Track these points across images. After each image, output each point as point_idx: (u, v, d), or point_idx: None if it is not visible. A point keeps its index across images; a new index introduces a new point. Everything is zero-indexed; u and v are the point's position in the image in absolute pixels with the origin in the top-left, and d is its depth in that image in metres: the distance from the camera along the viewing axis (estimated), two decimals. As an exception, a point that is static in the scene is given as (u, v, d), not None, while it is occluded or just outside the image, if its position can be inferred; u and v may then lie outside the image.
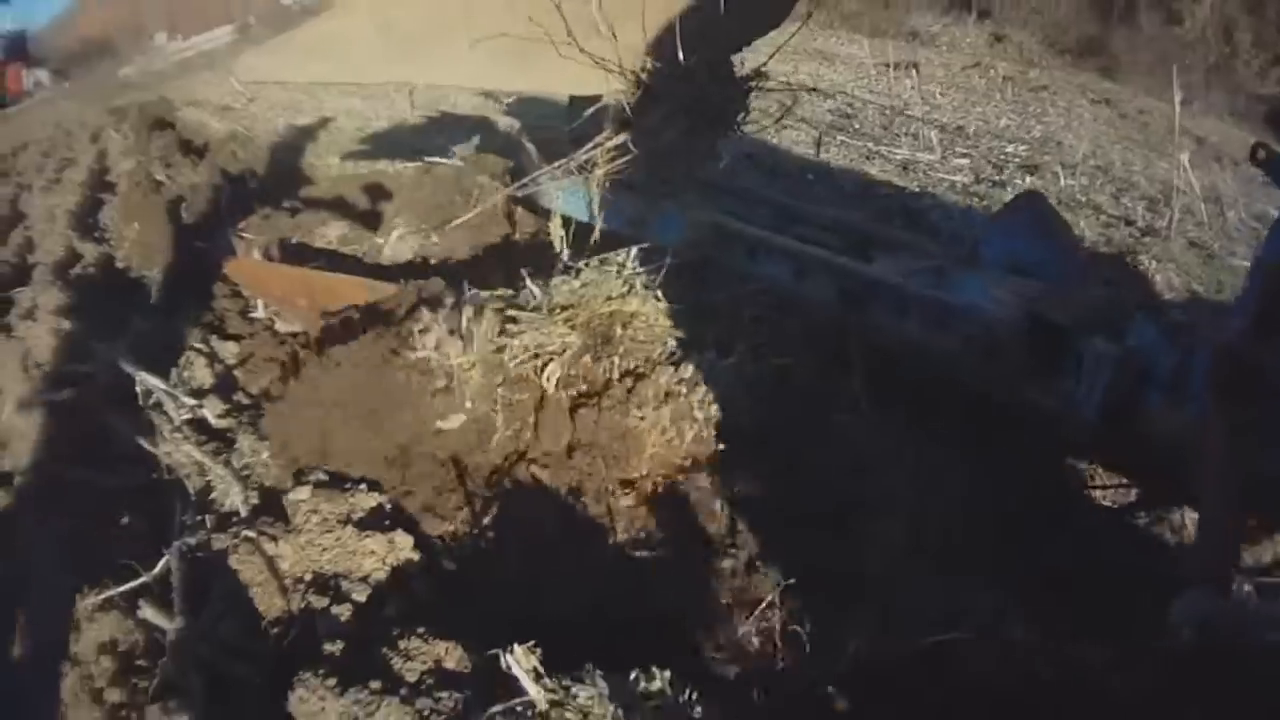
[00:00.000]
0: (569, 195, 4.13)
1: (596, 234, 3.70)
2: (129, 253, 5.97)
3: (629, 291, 3.22)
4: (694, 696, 2.11)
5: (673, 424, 2.98)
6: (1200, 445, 2.49)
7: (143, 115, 12.34)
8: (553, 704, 2.03)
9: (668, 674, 2.13)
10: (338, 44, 3.93)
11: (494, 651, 2.13)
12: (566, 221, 3.84)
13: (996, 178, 7.91)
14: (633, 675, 2.13)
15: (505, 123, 7.25)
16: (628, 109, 3.85)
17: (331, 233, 5.43)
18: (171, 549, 2.68)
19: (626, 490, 2.97)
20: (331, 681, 2.13)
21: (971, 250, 3.72)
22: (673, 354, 3.11)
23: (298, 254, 4.90)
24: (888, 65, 11.46)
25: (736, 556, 2.81)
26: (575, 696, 2.05)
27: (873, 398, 3.27)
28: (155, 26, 19.92)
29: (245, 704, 2.28)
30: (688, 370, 3.06)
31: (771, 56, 4.23)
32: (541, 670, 2.09)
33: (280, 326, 4.10)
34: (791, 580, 2.57)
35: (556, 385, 3.02)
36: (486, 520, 2.87)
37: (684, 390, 3.02)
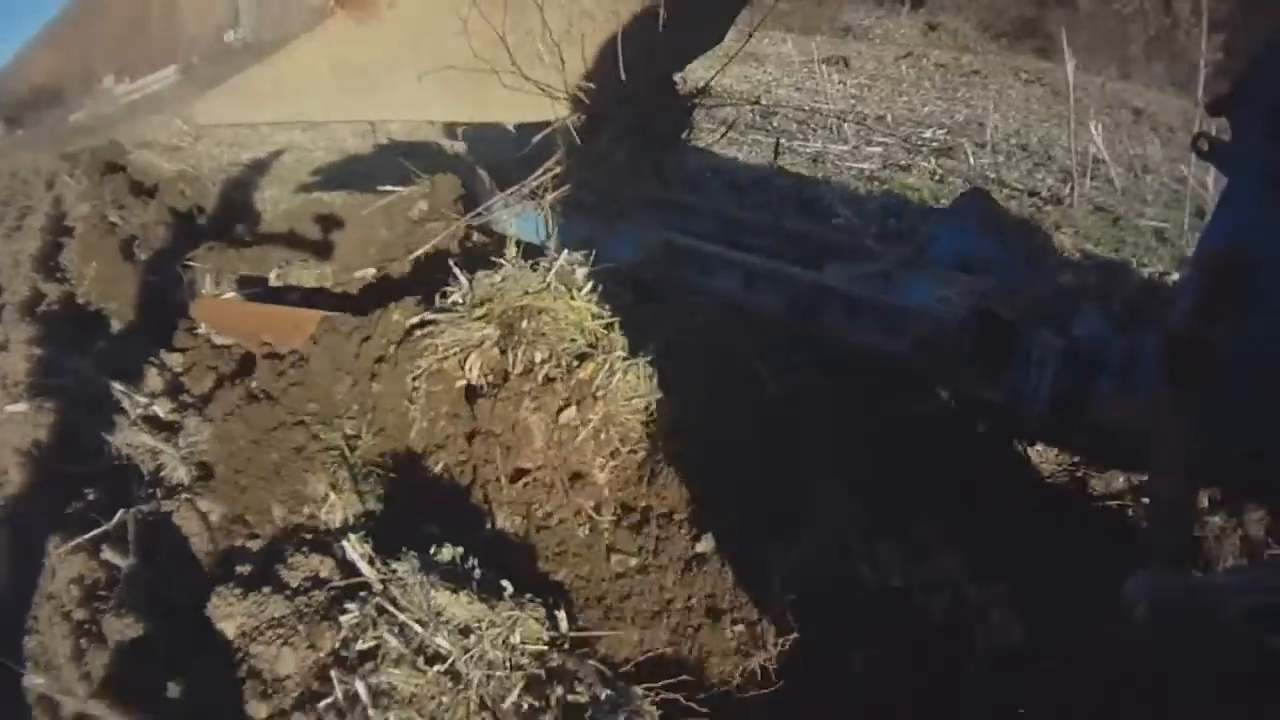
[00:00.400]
0: (522, 220, 4.21)
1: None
2: (88, 289, 6.39)
3: (546, 288, 3.32)
4: (475, 563, 2.73)
5: (574, 417, 3.09)
6: (1151, 428, 2.53)
7: (94, 159, 12.49)
8: (383, 581, 2.67)
9: (460, 549, 2.77)
10: (292, 84, 4.01)
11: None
12: (520, 246, 3.92)
13: (905, 162, 8.12)
14: (432, 549, 2.76)
15: (456, 152, 7.33)
16: (575, 134, 3.95)
17: (286, 266, 5.48)
18: (130, 511, 3.40)
19: (518, 478, 3.13)
20: (238, 591, 2.80)
21: (918, 251, 3.80)
22: (581, 352, 3.20)
23: (256, 291, 4.98)
24: (819, 62, 11.58)
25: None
26: (395, 571, 2.67)
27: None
28: (103, 71, 19.80)
29: (181, 617, 2.91)
30: (589, 369, 3.15)
31: (715, 76, 4.34)
32: (373, 555, 2.76)
33: (216, 340, 4.45)
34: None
35: (479, 376, 3.25)
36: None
37: (587, 385, 3.12)
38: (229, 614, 2.78)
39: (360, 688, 2.44)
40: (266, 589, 2.80)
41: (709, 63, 4.56)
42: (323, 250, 5.73)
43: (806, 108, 10.32)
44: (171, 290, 5.60)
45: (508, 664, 2.49)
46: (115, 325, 5.81)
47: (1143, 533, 3.12)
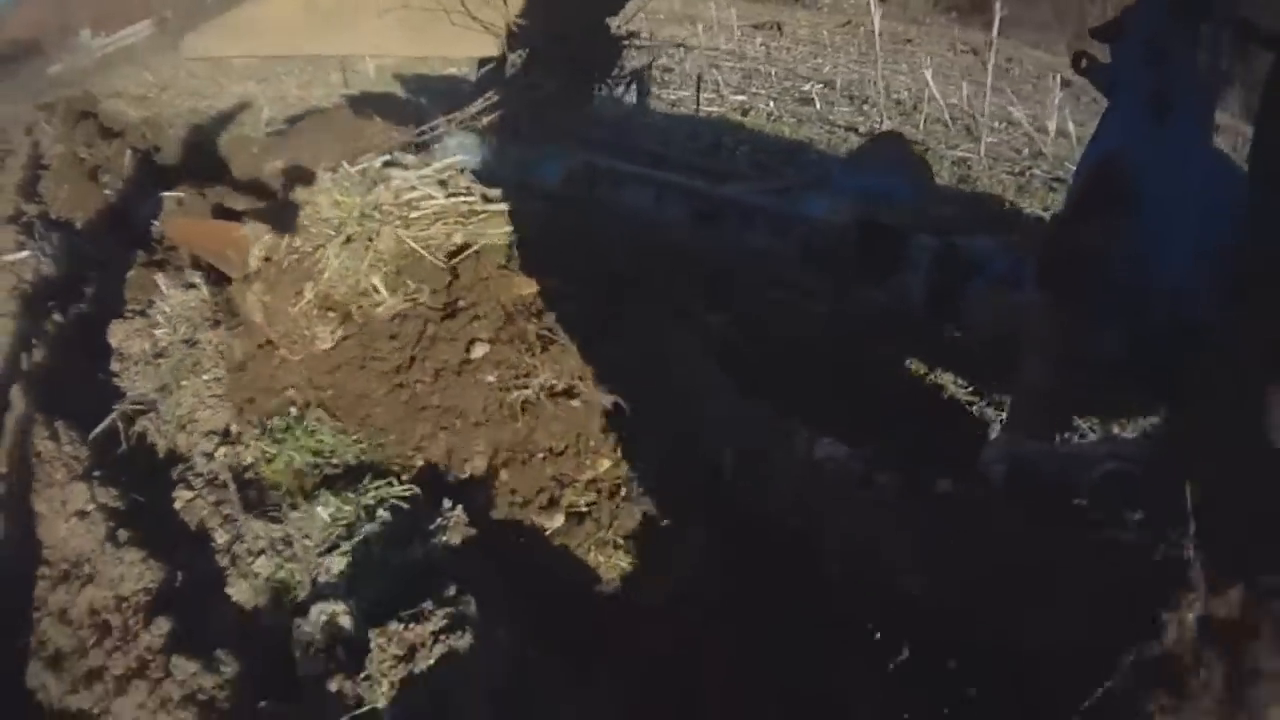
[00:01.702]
0: (462, 145, 4.67)
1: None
2: (60, 208, 7.36)
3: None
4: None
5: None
6: (1024, 328, 2.78)
7: (69, 108, 13.22)
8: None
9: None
10: (269, 23, 4.49)
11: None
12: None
13: (771, 111, 8.74)
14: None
15: (408, 85, 7.79)
16: (514, 68, 4.43)
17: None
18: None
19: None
20: (198, 484, 2.91)
21: (822, 178, 4.22)
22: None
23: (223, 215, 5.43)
24: (754, 26, 11.88)
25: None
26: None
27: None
28: (80, 24, 20.08)
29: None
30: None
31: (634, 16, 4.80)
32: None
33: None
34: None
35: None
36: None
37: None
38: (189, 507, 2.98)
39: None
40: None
41: (643, 11, 5.03)
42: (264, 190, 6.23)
43: (727, 65, 10.74)
44: (130, 209, 6.65)
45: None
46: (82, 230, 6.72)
47: (1009, 413, 3.33)
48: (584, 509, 2.75)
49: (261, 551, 2.53)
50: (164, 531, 2.84)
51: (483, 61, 4.72)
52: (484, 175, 4.12)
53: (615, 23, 4.62)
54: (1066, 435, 3.21)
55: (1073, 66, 2.82)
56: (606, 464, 2.89)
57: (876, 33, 10.05)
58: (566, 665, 2.25)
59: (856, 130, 8.21)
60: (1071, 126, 8.03)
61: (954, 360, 3.78)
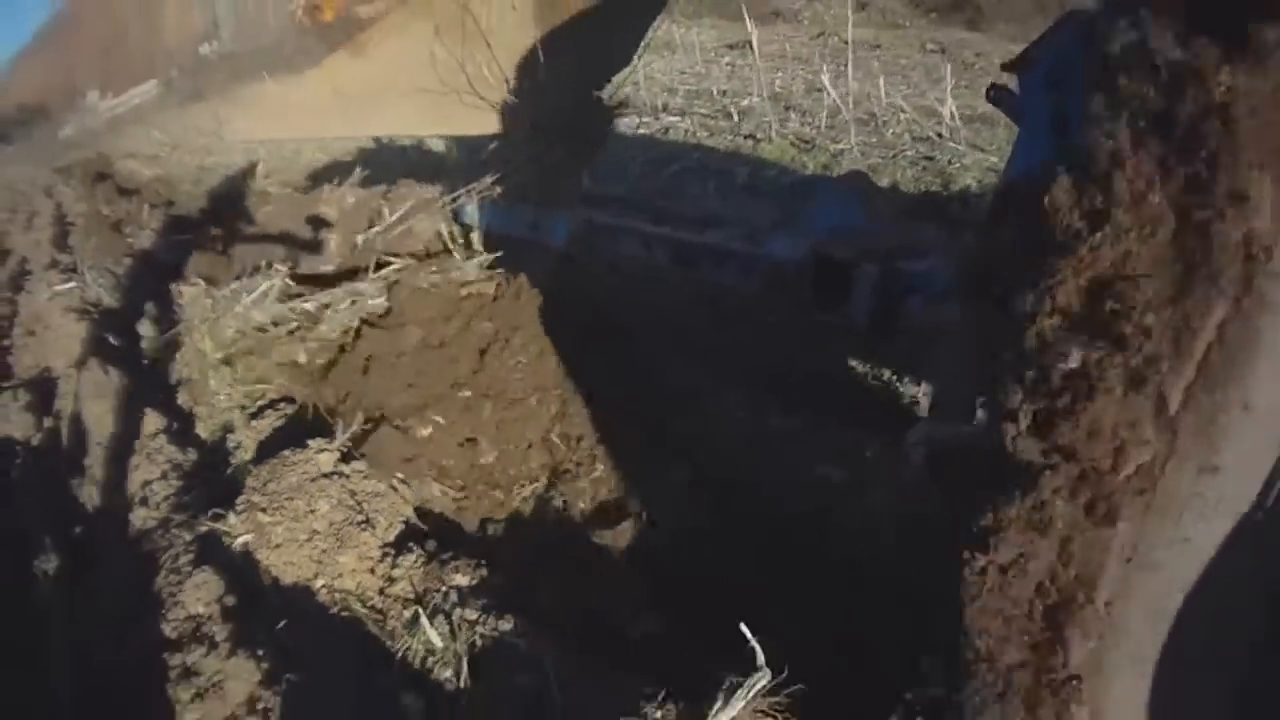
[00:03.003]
0: (480, 209, 5.37)
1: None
2: (90, 257, 8.52)
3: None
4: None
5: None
6: (944, 338, 3.19)
7: (86, 171, 14.13)
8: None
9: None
10: (300, 107, 5.19)
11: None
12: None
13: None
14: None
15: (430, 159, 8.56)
16: (521, 142, 5.14)
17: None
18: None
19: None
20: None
21: (788, 218, 4.88)
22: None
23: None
24: (729, 47, 12.54)
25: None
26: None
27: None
28: (87, 86, 20.68)
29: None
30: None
31: (622, 91, 5.51)
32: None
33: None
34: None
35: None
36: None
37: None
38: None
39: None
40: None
41: (627, 76, 5.74)
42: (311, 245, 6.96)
43: (707, 91, 11.46)
44: (155, 253, 8.31)
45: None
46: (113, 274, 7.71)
47: (932, 401, 3.63)
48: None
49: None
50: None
51: (493, 137, 5.41)
52: (500, 236, 4.88)
53: (606, 94, 5.31)
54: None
55: (986, 98, 3.10)
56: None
57: (850, 42, 10.64)
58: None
59: (813, 144, 8.88)
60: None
61: (893, 365, 4.46)
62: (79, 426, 4.58)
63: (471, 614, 2.86)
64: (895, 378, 4.60)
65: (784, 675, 2.27)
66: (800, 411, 4.17)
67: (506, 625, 2.81)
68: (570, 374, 4.27)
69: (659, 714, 2.33)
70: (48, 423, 4.98)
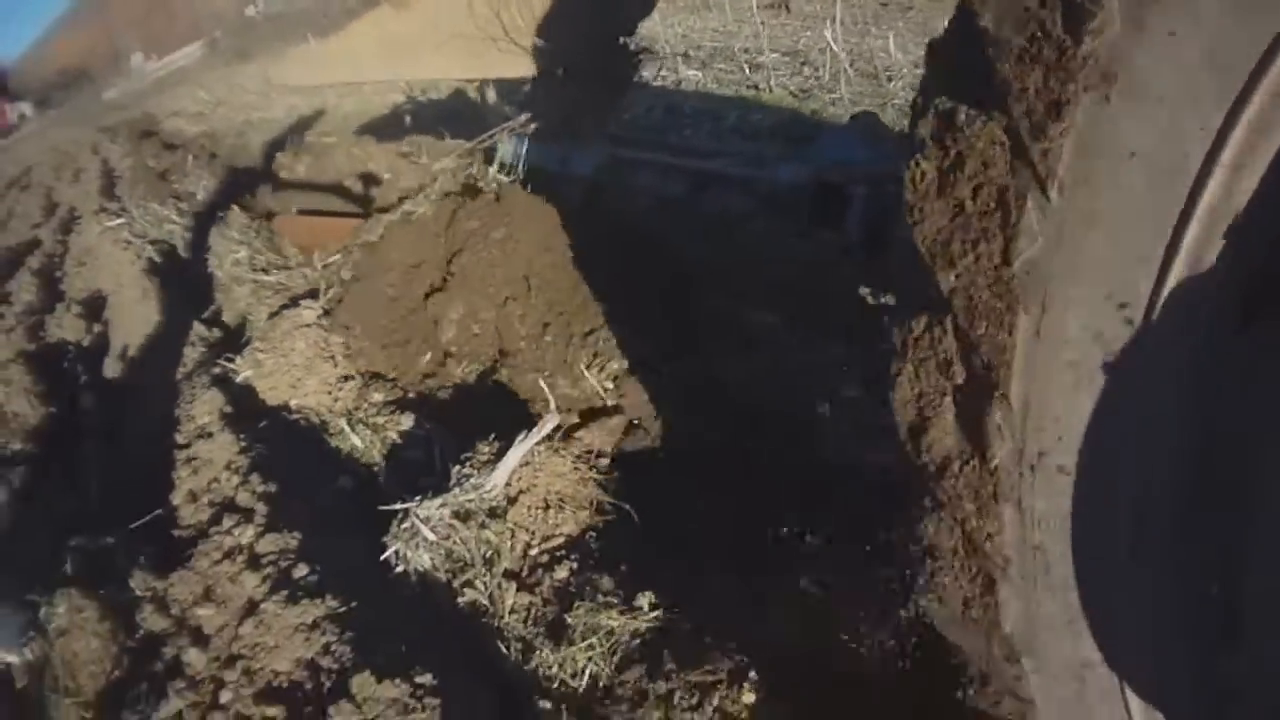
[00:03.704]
0: (515, 148, 5.86)
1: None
2: (137, 200, 9.22)
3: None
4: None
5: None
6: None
7: (132, 129, 14.67)
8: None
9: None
10: (346, 55, 5.66)
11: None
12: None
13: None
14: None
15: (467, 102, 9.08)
16: (551, 84, 5.60)
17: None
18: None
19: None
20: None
21: (796, 148, 5.32)
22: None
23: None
24: (768, 6, 12.93)
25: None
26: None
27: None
28: (130, 49, 21.26)
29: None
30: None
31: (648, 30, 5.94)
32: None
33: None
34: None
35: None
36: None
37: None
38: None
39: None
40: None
41: (655, 18, 6.18)
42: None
43: (730, 49, 11.92)
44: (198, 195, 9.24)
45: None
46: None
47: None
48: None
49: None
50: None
51: (526, 80, 5.88)
52: (533, 170, 5.37)
53: (631, 40, 5.76)
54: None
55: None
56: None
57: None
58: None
59: (809, 94, 9.64)
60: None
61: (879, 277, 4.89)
62: (124, 323, 5.76)
63: (382, 419, 4.25)
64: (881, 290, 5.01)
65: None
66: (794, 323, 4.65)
67: (407, 423, 4.18)
68: (581, 278, 4.74)
69: (486, 448, 3.52)
70: (97, 328, 6.15)
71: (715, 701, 2.57)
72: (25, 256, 9.94)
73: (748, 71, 10.67)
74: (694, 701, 2.60)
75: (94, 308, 6.59)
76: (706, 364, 4.46)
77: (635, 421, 4.08)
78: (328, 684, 2.66)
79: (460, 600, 3.07)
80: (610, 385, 4.20)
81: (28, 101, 32.24)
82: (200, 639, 2.94)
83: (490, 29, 5.49)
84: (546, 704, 2.64)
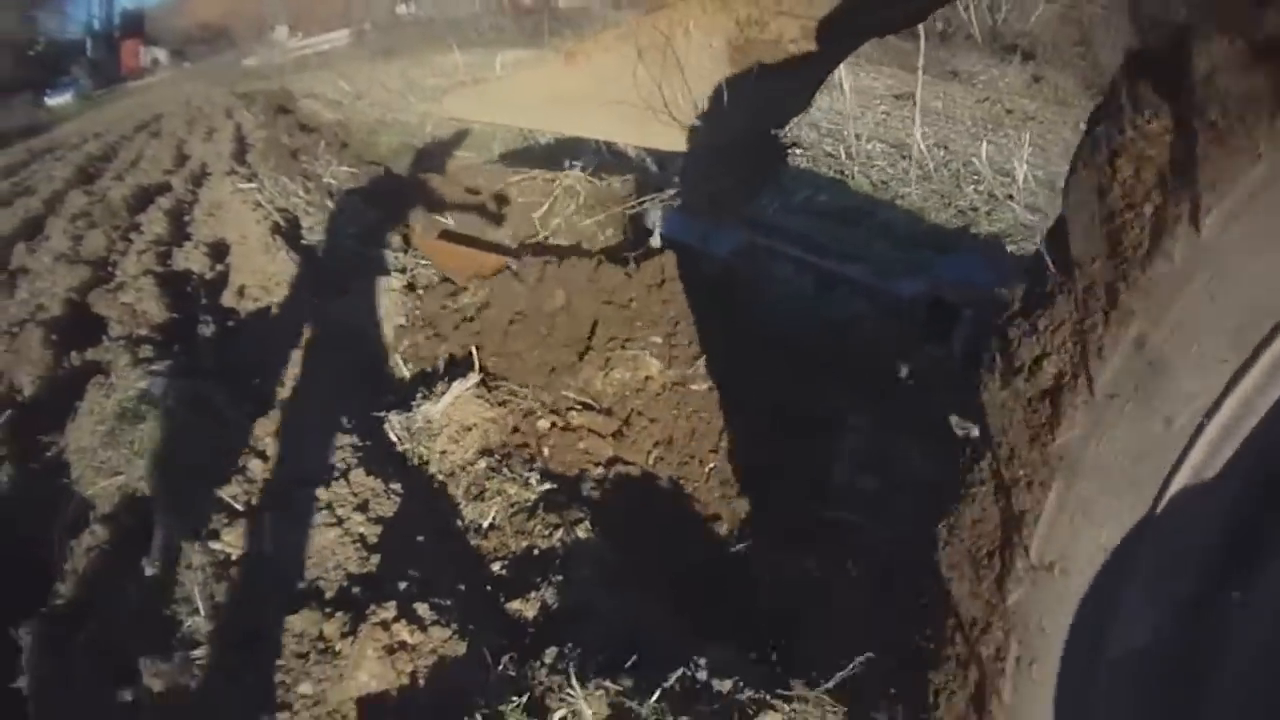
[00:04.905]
0: (661, 217, 6.23)
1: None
2: (266, 172, 10.41)
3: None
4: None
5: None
6: None
7: (268, 101, 15.32)
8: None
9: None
10: (519, 100, 6.03)
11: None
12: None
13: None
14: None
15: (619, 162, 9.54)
16: (702, 161, 5.95)
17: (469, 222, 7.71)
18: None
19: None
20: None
21: (919, 265, 5.65)
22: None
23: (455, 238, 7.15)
24: (895, 97, 13.31)
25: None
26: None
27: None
28: (277, 20, 22.02)
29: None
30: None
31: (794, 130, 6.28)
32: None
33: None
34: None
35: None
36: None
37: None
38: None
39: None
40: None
41: (804, 118, 6.52)
42: (497, 217, 7.95)
43: (841, 132, 12.31)
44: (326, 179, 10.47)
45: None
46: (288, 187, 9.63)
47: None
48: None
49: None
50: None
51: (678, 154, 6.23)
52: (674, 241, 5.71)
53: (781, 133, 6.09)
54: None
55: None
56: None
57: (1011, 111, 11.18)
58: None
59: (887, 185, 10.02)
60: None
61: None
62: (244, 267, 6.97)
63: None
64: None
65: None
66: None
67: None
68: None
69: (439, 388, 4.88)
70: (219, 267, 7.39)
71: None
72: (156, 196, 10.87)
73: (843, 156, 11.10)
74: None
75: (218, 251, 7.77)
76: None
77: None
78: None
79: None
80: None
81: (163, 48, 33.13)
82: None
83: (652, 99, 5.83)
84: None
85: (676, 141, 6.01)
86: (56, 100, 37.23)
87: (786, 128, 6.11)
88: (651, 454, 4.77)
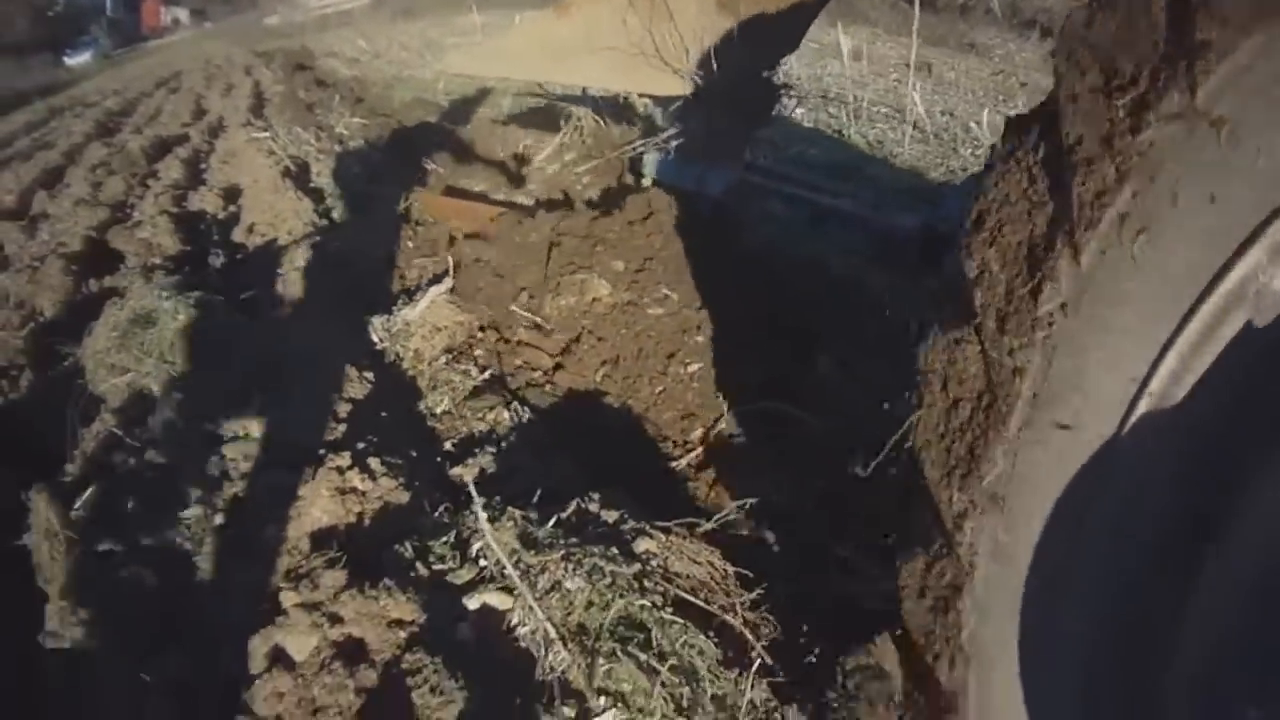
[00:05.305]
0: (657, 161, 6.46)
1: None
2: (282, 124, 10.78)
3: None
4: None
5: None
6: None
7: (288, 60, 15.55)
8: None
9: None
10: (513, 53, 6.25)
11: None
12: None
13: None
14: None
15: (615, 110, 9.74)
16: (693, 105, 6.17)
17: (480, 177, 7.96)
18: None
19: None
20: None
21: (917, 197, 5.84)
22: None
23: (460, 194, 7.42)
24: (907, 65, 13.45)
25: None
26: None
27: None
28: (299, -20, 22.17)
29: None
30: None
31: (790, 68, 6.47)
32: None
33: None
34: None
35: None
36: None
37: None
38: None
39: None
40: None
41: (798, 59, 6.70)
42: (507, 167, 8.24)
43: (845, 96, 12.57)
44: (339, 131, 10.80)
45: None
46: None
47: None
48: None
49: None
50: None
51: (671, 99, 6.44)
52: (669, 183, 5.95)
53: (774, 75, 6.29)
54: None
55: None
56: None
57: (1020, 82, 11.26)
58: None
59: (882, 145, 10.50)
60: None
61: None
62: (255, 207, 7.40)
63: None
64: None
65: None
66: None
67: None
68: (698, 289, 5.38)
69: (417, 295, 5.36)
70: (231, 209, 7.79)
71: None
72: (174, 147, 11.41)
73: (845, 117, 11.39)
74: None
75: (231, 195, 8.22)
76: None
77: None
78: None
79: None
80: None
81: (183, 7, 33.27)
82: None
83: (643, 45, 6.00)
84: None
85: (669, 86, 6.22)
86: (76, 60, 37.22)
87: (778, 70, 6.31)
88: (599, 371, 4.97)
